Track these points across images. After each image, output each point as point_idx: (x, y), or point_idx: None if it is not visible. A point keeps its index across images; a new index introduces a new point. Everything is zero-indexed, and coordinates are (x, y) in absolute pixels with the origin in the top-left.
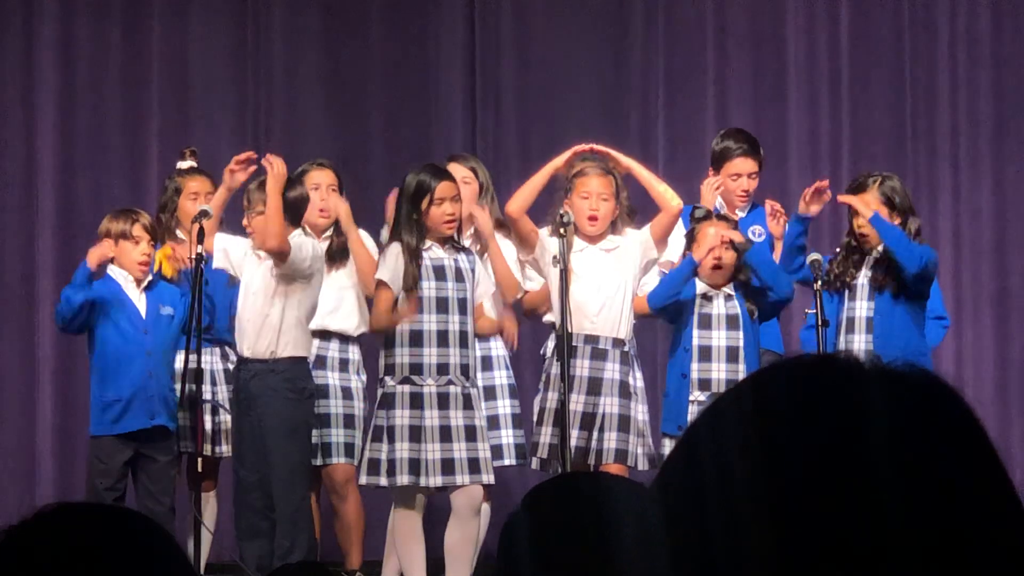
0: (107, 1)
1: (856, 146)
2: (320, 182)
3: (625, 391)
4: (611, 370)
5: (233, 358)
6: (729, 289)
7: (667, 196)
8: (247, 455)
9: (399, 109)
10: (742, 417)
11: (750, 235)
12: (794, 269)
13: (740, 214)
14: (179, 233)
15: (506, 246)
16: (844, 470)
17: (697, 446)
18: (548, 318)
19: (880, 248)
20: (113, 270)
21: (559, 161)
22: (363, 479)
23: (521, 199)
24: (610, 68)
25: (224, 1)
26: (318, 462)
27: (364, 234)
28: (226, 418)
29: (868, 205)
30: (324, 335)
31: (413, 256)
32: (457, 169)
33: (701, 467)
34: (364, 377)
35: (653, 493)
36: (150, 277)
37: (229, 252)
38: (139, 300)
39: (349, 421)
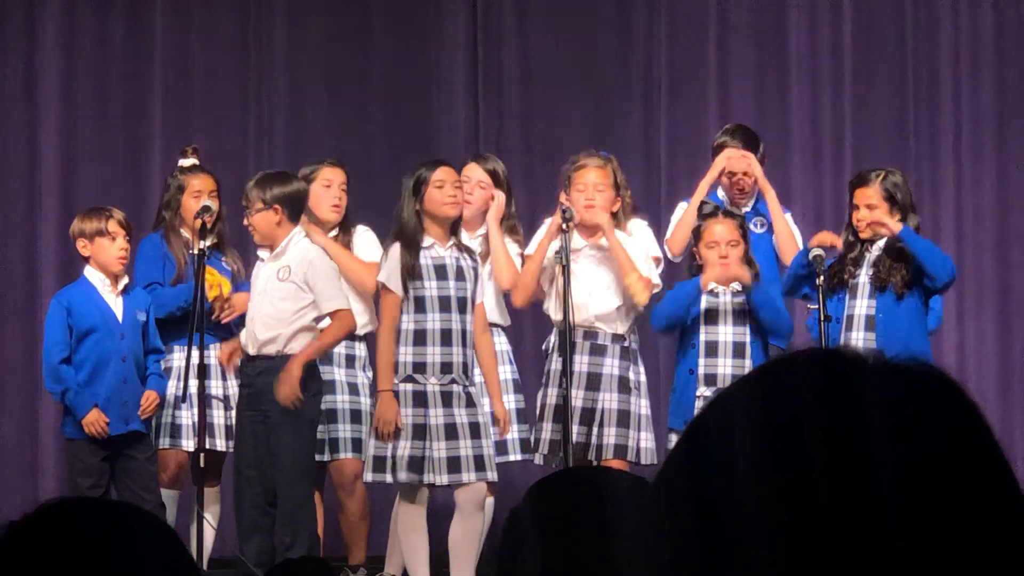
0: None
1: (858, 142)
2: (332, 179)
3: (624, 386)
4: (610, 365)
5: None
6: (737, 284)
7: (635, 289)
8: (248, 451)
9: (401, 105)
10: (749, 410)
11: (752, 227)
12: (794, 294)
13: (745, 208)
14: (182, 231)
15: (512, 249)
16: (851, 464)
17: (702, 439)
18: (548, 310)
19: (880, 245)
20: (90, 272)
21: (553, 230)
22: (368, 476)
23: (525, 290)
24: (612, 63)
25: None
26: (325, 457)
27: (365, 229)
28: (229, 413)
29: (892, 220)
30: None
31: (412, 250)
32: (474, 170)
33: (706, 459)
34: (370, 374)
35: (656, 486)
36: (126, 280)
37: None
38: (116, 304)
39: (356, 416)
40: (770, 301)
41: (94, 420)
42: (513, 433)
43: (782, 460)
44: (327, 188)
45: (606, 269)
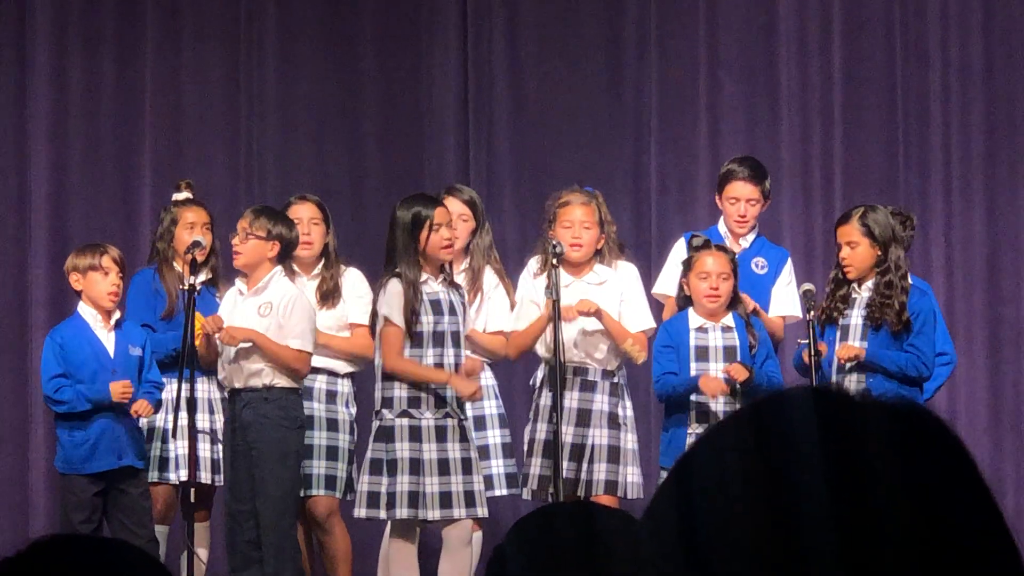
0: (100, 32)
1: (848, 175)
2: (302, 216)
3: (614, 422)
4: (600, 401)
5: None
6: (728, 320)
7: (632, 352)
8: (240, 486)
9: (392, 139)
10: (741, 447)
11: (753, 267)
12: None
13: (744, 244)
14: (176, 264)
15: (499, 292)
16: (842, 501)
17: (693, 475)
18: (538, 349)
19: (870, 285)
20: (83, 308)
21: (542, 323)
22: (363, 512)
23: (520, 349)
24: (602, 98)
25: (217, 31)
26: (300, 493)
27: (357, 272)
28: (216, 447)
29: (851, 350)
30: (312, 369)
31: (413, 291)
32: (454, 204)
33: (697, 495)
34: (354, 410)
35: (646, 521)
36: (118, 314)
37: None
38: (107, 339)
39: (332, 453)
40: (764, 385)
41: (120, 390)
42: (499, 468)
43: (774, 497)
44: (296, 225)
45: (596, 300)
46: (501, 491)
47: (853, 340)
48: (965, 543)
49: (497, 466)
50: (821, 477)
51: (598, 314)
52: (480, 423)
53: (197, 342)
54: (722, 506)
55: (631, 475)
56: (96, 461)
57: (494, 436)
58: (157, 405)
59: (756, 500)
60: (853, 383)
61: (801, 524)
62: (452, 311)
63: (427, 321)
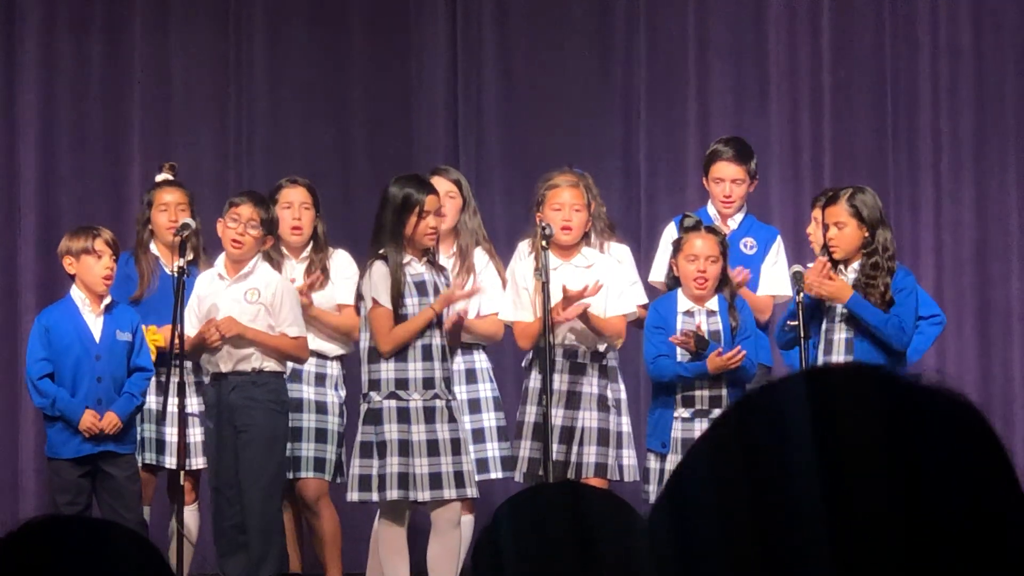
0: (88, 15)
1: (837, 159)
2: (293, 200)
3: (603, 404)
4: (589, 384)
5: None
6: (713, 304)
7: (613, 341)
8: (226, 471)
9: (381, 122)
10: (732, 457)
11: (742, 247)
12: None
13: (732, 225)
14: (152, 247)
15: (490, 273)
16: (837, 499)
17: (685, 489)
18: None
19: (856, 267)
20: (75, 291)
21: (533, 329)
22: (355, 496)
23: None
24: (592, 80)
25: (206, 15)
26: (288, 475)
27: (344, 253)
28: (198, 430)
29: (841, 291)
30: None
31: (397, 272)
32: (441, 183)
33: (691, 511)
34: (343, 392)
35: (647, 538)
36: (108, 299)
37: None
38: (95, 324)
39: (321, 436)
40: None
41: (89, 424)
42: (494, 451)
43: (767, 508)
44: (287, 209)
45: (584, 283)
46: (496, 474)
47: (839, 322)
48: (956, 531)
49: (492, 448)
50: (815, 476)
51: (584, 316)
52: (475, 406)
53: (153, 357)
54: (715, 520)
55: (625, 458)
56: (76, 445)
57: (489, 419)
58: (136, 410)
59: (749, 513)
60: (840, 343)
61: (797, 536)
62: (437, 292)
63: (412, 303)
